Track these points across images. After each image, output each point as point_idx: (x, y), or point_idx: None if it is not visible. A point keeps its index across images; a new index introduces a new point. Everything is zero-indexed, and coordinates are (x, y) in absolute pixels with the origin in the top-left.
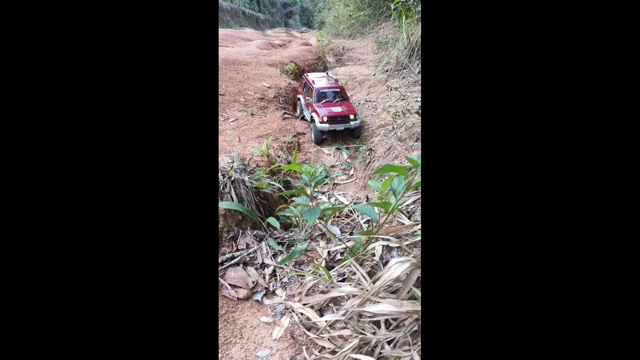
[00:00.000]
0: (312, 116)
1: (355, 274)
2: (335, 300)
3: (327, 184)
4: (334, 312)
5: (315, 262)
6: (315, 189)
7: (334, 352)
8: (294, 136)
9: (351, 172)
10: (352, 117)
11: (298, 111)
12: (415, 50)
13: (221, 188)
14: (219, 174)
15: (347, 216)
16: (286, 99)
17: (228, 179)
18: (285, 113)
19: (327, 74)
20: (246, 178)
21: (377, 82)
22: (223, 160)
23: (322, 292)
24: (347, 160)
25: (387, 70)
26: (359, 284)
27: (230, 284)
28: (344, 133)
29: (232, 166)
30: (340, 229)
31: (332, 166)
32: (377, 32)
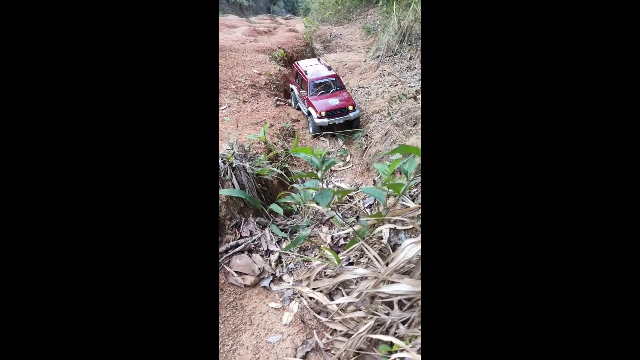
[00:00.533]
0: (308, 110)
1: (362, 257)
2: (344, 284)
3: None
4: (344, 296)
5: (321, 247)
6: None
7: (347, 335)
8: (288, 123)
9: (347, 158)
10: (350, 108)
11: (292, 102)
12: (407, 36)
13: (222, 175)
14: (219, 161)
15: (347, 202)
16: (277, 85)
17: (229, 166)
18: (278, 100)
19: (319, 60)
20: (247, 165)
21: (368, 68)
22: (222, 147)
23: (332, 276)
24: (343, 147)
25: (378, 56)
26: (370, 267)
27: (236, 272)
28: (343, 124)
29: (233, 153)
30: (342, 214)
31: (328, 153)
32: (364, 18)
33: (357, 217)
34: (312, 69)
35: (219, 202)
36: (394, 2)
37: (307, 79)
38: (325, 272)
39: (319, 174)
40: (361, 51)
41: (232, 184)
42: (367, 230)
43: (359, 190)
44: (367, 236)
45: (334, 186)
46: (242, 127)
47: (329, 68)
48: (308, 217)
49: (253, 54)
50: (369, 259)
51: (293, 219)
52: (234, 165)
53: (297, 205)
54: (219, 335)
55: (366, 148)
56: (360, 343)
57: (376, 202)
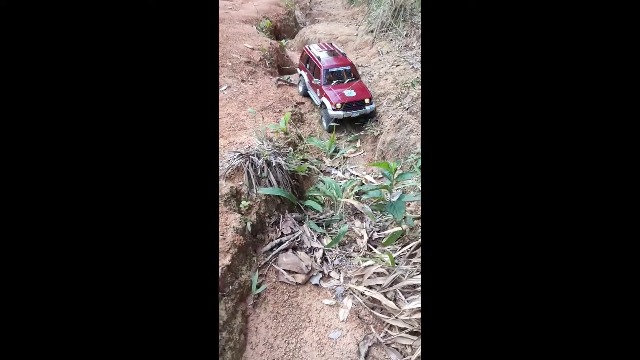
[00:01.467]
0: (322, 101)
1: (411, 259)
2: (397, 283)
3: (337, 158)
4: (397, 293)
5: (374, 251)
6: (328, 164)
7: (413, 332)
8: (295, 106)
9: (357, 144)
10: (367, 101)
11: (300, 88)
12: (401, 12)
13: (259, 173)
14: (256, 158)
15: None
16: (272, 62)
17: (265, 164)
18: (279, 80)
19: (332, 45)
20: (282, 162)
21: (362, 44)
22: (252, 142)
23: (384, 274)
24: (352, 133)
25: (371, 31)
26: None
27: (285, 270)
28: (359, 118)
29: (268, 150)
30: (370, 208)
31: (338, 138)
32: None
33: (405, 217)
34: (325, 55)
35: (259, 200)
36: None
37: (320, 66)
38: (375, 271)
39: (387, 182)
40: (348, 22)
41: (269, 182)
42: (412, 227)
43: (416, 200)
44: (413, 235)
45: (350, 174)
46: (254, 115)
47: (344, 55)
48: (340, 210)
49: (240, 24)
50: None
51: (325, 212)
52: (270, 163)
53: (324, 198)
54: (282, 334)
55: (378, 135)
56: None
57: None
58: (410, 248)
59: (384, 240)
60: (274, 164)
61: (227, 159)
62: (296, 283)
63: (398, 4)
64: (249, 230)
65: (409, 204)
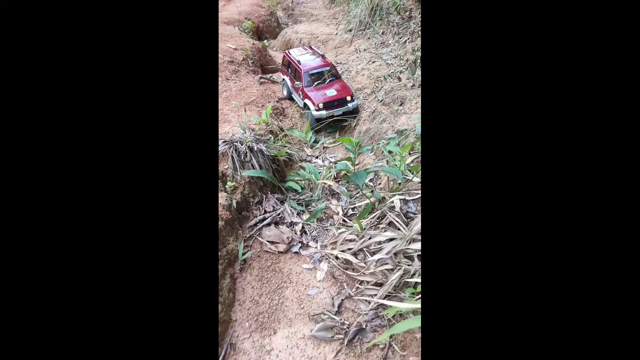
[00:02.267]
0: (305, 103)
1: (379, 224)
2: (366, 246)
3: (317, 147)
4: (366, 256)
5: (345, 220)
6: (309, 154)
7: (377, 284)
8: (277, 101)
9: (337, 135)
10: (349, 98)
11: (284, 92)
12: (377, 11)
13: (242, 157)
14: (239, 144)
15: (344, 177)
16: (254, 61)
17: (248, 149)
18: (261, 78)
19: (311, 47)
20: (263, 147)
21: (342, 42)
22: (235, 131)
23: (355, 240)
24: (331, 125)
25: (350, 30)
26: (393, 230)
27: (268, 241)
28: (342, 115)
29: (250, 138)
30: (347, 189)
31: (318, 131)
32: None
33: (372, 191)
34: (305, 58)
35: (243, 182)
36: None
37: (301, 69)
38: (347, 238)
39: (352, 156)
40: (329, 22)
41: (252, 165)
42: (379, 201)
43: (380, 170)
44: (378, 207)
45: (330, 162)
46: (238, 109)
47: (323, 56)
48: (318, 191)
49: (222, 26)
50: (388, 224)
51: (304, 194)
52: (252, 149)
53: (305, 182)
54: (266, 292)
55: (355, 125)
56: (390, 288)
57: (380, 178)
58: (377, 217)
59: (358, 215)
60: (255, 150)
61: None
62: (278, 252)
63: (375, 3)
64: (235, 207)
65: (379, 181)
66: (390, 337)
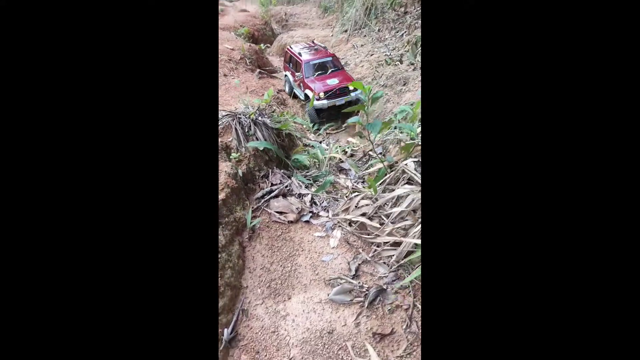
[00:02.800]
0: (305, 94)
1: (394, 187)
2: (381, 208)
3: (320, 134)
4: (382, 218)
5: (343, 190)
6: (312, 139)
7: (395, 244)
8: (277, 92)
9: (340, 123)
10: (351, 87)
11: (287, 88)
12: (372, 10)
13: (246, 130)
14: (243, 117)
15: (350, 157)
16: (252, 60)
17: (251, 122)
18: (260, 72)
19: (313, 42)
20: (267, 121)
21: (338, 41)
22: (238, 107)
23: (370, 204)
24: (333, 113)
25: (346, 31)
26: (411, 186)
27: (276, 212)
28: (345, 106)
29: (253, 110)
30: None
31: (320, 122)
32: None
33: (383, 154)
34: (306, 50)
35: (248, 154)
36: None
37: (301, 60)
38: (360, 204)
39: (366, 108)
40: (324, 27)
41: (256, 138)
42: (392, 164)
43: (395, 125)
44: (395, 171)
45: (334, 145)
46: (238, 95)
47: (324, 48)
48: (326, 167)
49: (219, 32)
50: (404, 184)
51: (311, 170)
52: (256, 121)
53: (310, 161)
54: (277, 260)
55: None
56: (409, 247)
57: (389, 151)
58: (389, 179)
59: (374, 177)
60: (259, 123)
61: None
62: (288, 221)
63: (369, 2)
64: (241, 176)
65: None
66: (414, 297)
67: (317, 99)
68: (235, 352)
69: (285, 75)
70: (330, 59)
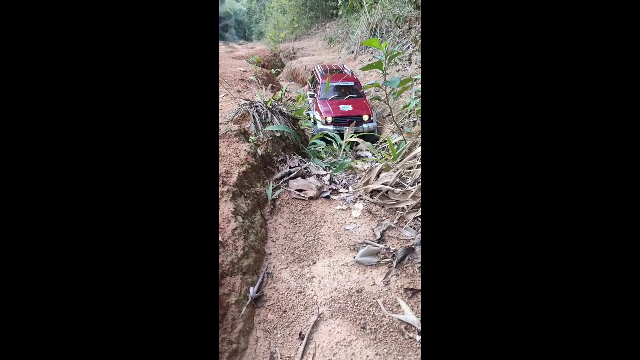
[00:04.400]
0: (313, 116)
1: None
2: (402, 177)
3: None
4: (409, 187)
5: (362, 173)
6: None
7: (419, 206)
8: (290, 100)
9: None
10: (366, 117)
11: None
12: (377, 30)
13: (263, 117)
14: (260, 105)
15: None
16: (264, 81)
17: (268, 110)
18: (272, 86)
19: (343, 65)
20: (284, 109)
21: (346, 60)
22: (254, 98)
23: (391, 174)
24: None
25: (352, 52)
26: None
27: (296, 190)
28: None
29: (268, 100)
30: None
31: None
32: (323, 31)
33: (402, 127)
34: (328, 71)
35: (266, 139)
36: (358, 7)
37: (320, 79)
38: (382, 174)
39: (384, 66)
40: (330, 54)
41: (273, 124)
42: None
43: (416, 78)
44: (410, 137)
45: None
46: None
47: (352, 73)
48: (342, 154)
49: (231, 60)
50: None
51: (328, 157)
52: (272, 109)
53: (327, 149)
54: (299, 231)
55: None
56: None
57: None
58: (408, 148)
59: (393, 147)
60: (276, 110)
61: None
62: (308, 198)
63: (374, 24)
64: (260, 155)
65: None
66: None
67: (323, 124)
68: (261, 311)
69: (309, 99)
70: (352, 83)
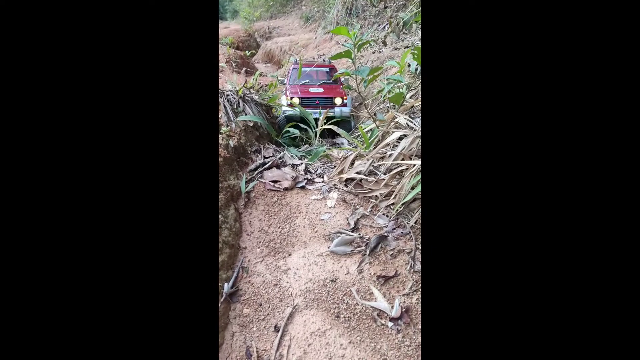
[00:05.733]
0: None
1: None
2: (375, 165)
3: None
4: (377, 174)
5: (337, 161)
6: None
7: (390, 194)
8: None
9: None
10: (338, 101)
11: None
12: (352, 9)
13: (234, 107)
14: (231, 94)
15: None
16: (238, 64)
17: (240, 99)
18: (246, 70)
19: (324, 60)
20: (256, 97)
21: (322, 41)
22: (226, 87)
23: (364, 163)
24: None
25: (328, 32)
26: (404, 129)
27: (271, 181)
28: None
29: (241, 87)
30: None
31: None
32: (299, 9)
33: (375, 114)
34: (306, 61)
35: (239, 129)
36: None
37: (292, 67)
38: (356, 163)
39: (353, 55)
40: (306, 33)
41: (245, 114)
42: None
43: (387, 63)
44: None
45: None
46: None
47: (329, 63)
48: (317, 142)
49: None
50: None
51: (302, 146)
52: (244, 98)
53: (298, 139)
54: (275, 223)
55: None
56: (405, 191)
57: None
58: (381, 135)
59: (371, 134)
60: (248, 99)
61: None
62: (283, 189)
63: (350, 2)
64: (232, 147)
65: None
66: (416, 240)
67: (288, 105)
68: (237, 306)
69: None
70: (327, 69)
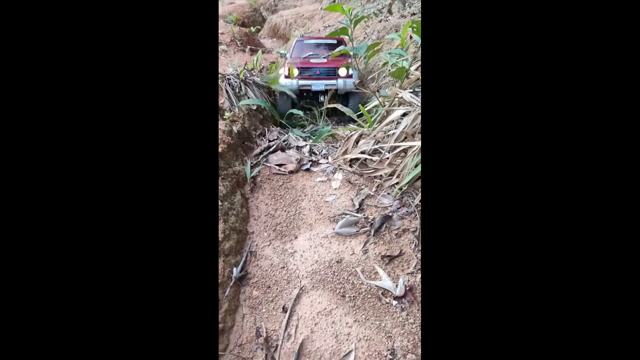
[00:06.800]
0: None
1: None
2: (379, 143)
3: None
4: (387, 153)
5: (342, 140)
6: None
7: (393, 173)
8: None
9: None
10: (342, 72)
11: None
12: None
13: (237, 91)
14: (233, 77)
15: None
16: (242, 42)
17: (241, 82)
18: (251, 48)
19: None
20: (257, 79)
21: (327, 12)
22: (227, 70)
23: (368, 142)
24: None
25: (334, 1)
26: (408, 106)
27: (276, 165)
28: (326, 94)
29: (242, 70)
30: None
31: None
32: None
33: (378, 90)
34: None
35: (242, 114)
36: None
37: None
38: (359, 143)
39: (349, 31)
40: (312, 3)
41: (248, 97)
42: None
43: (388, 37)
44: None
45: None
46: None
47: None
48: (322, 121)
49: None
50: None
51: (307, 127)
52: (246, 81)
53: (304, 120)
54: (281, 207)
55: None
56: (409, 169)
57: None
58: (385, 112)
59: (375, 111)
60: (250, 82)
61: None
62: (288, 172)
63: None
64: (236, 133)
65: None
66: (421, 219)
67: (286, 76)
68: (246, 289)
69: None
70: (334, 42)
